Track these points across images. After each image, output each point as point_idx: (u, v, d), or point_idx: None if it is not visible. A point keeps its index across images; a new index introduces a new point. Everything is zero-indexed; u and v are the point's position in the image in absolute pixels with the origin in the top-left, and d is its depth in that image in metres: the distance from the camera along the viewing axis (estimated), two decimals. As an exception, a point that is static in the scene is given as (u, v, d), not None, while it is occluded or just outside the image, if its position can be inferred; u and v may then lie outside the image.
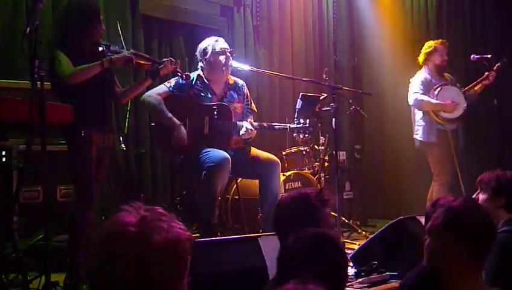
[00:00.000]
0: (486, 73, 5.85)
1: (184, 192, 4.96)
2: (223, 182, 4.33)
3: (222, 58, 4.58)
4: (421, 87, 5.75)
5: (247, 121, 4.65)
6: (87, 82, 3.66)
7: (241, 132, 4.51)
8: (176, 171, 4.95)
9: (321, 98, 5.50)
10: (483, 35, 7.48)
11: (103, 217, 4.63)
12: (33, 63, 2.98)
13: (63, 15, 4.04)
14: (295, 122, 4.80)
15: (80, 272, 3.60)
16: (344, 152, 6.68)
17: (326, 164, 5.80)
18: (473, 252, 2.00)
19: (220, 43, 4.63)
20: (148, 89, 4.51)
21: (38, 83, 2.99)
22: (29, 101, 3.00)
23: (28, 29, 3.00)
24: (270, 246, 3.04)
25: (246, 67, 4.91)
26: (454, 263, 2.00)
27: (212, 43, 4.61)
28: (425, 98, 5.71)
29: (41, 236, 3.86)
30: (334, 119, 4.77)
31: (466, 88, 5.89)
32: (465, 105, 5.73)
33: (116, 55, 3.79)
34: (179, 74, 4.32)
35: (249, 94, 4.88)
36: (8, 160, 3.77)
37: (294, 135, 4.92)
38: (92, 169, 3.71)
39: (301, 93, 5.70)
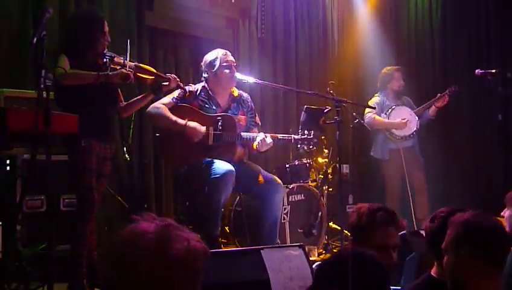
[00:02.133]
0: (439, 94, 6.27)
1: (187, 203, 4.95)
2: (227, 194, 4.32)
3: (228, 71, 4.59)
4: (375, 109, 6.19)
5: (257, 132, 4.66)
6: (89, 92, 3.68)
7: (258, 141, 4.49)
8: (179, 182, 4.95)
9: (325, 111, 5.49)
10: (487, 50, 7.48)
11: (106, 228, 4.64)
12: (39, 73, 3.00)
13: (69, 25, 4.06)
14: (299, 133, 4.80)
15: (82, 282, 3.60)
16: (347, 165, 6.67)
17: (329, 176, 5.80)
18: (491, 261, 2.02)
19: (228, 57, 4.64)
20: (151, 102, 4.52)
21: (44, 92, 3.01)
22: (35, 110, 3.02)
23: (35, 39, 3.02)
24: (273, 258, 3.04)
25: (250, 79, 4.92)
26: (475, 275, 2.01)
27: (220, 56, 4.62)
28: (377, 117, 6.21)
29: (44, 245, 3.86)
30: (337, 132, 4.76)
31: (419, 108, 6.34)
32: (417, 123, 6.23)
33: (113, 72, 3.77)
34: (183, 91, 4.37)
35: (253, 107, 4.88)
36: (12, 169, 3.79)
37: (298, 146, 4.92)
38: (92, 179, 3.71)
39: (305, 106, 5.70)
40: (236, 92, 4.76)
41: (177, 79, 4.25)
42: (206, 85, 4.65)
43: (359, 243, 2.53)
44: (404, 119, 6.18)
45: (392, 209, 2.68)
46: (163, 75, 4.20)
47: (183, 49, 5.78)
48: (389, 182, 6.47)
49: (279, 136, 4.78)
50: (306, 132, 4.76)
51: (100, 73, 3.70)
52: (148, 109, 4.50)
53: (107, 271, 1.38)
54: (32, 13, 4.56)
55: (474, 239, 2.03)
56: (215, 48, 4.77)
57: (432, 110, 6.31)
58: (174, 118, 4.41)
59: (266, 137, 4.54)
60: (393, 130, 6.23)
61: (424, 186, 6.38)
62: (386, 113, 6.27)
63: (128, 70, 3.83)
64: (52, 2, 4.62)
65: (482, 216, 2.12)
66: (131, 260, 1.32)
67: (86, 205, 3.70)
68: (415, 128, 6.23)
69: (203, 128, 4.42)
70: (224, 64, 4.59)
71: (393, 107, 6.28)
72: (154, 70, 4.16)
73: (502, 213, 3.25)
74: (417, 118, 6.25)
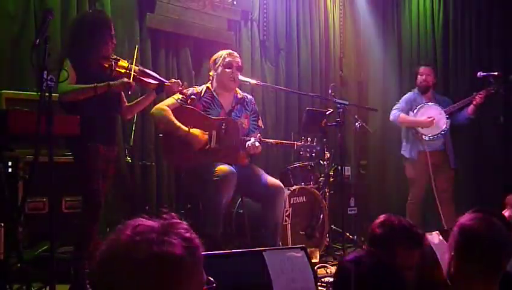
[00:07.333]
0: (475, 93, 5.90)
1: (189, 205, 4.95)
2: (228, 195, 4.31)
3: (229, 70, 4.59)
4: (403, 105, 6.00)
5: (255, 137, 4.64)
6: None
7: (248, 143, 4.49)
8: (181, 184, 4.95)
9: (327, 113, 5.51)
10: (488, 54, 7.47)
11: (108, 229, 4.64)
12: (42, 74, 3.00)
13: (74, 27, 4.02)
14: (302, 140, 4.77)
15: (84, 284, 3.60)
16: (349, 167, 6.67)
17: (331, 179, 5.80)
18: (490, 267, 2.03)
19: (232, 57, 4.64)
20: (154, 103, 4.52)
21: (47, 94, 3.01)
22: (37, 112, 3.02)
23: (38, 41, 3.03)
24: (275, 260, 3.04)
25: (252, 81, 4.93)
26: (475, 279, 2.03)
27: (224, 54, 4.63)
28: (402, 114, 5.94)
29: (46, 247, 3.87)
30: (339, 134, 4.77)
31: (448, 108, 5.94)
32: (446, 122, 5.84)
33: (115, 82, 3.77)
34: (185, 97, 4.36)
35: (257, 110, 4.88)
36: (14, 170, 3.79)
37: (300, 153, 4.90)
38: (98, 181, 3.72)
39: (307, 108, 5.71)
40: (240, 94, 4.76)
41: (181, 85, 4.24)
42: (210, 85, 4.65)
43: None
44: (431, 117, 5.82)
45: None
46: (166, 81, 4.20)
47: (184, 51, 5.79)
48: (411, 187, 6.10)
49: (281, 142, 4.76)
50: (309, 138, 4.73)
51: (98, 85, 3.69)
52: (153, 110, 4.50)
53: (106, 275, 1.31)
54: (34, 14, 4.57)
55: (479, 245, 2.04)
56: (217, 50, 4.78)
57: (471, 108, 5.88)
58: (177, 123, 4.41)
59: (255, 142, 4.53)
60: (420, 129, 5.86)
61: (451, 199, 5.97)
62: (413, 111, 5.93)
63: (134, 74, 3.85)
64: (54, 3, 4.62)
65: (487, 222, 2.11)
66: (135, 259, 1.26)
67: (92, 206, 3.71)
68: (443, 128, 5.83)
69: (205, 137, 4.42)
70: (226, 63, 4.59)
71: (421, 105, 5.94)
72: (158, 76, 4.17)
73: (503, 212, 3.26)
74: (447, 118, 5.86)
